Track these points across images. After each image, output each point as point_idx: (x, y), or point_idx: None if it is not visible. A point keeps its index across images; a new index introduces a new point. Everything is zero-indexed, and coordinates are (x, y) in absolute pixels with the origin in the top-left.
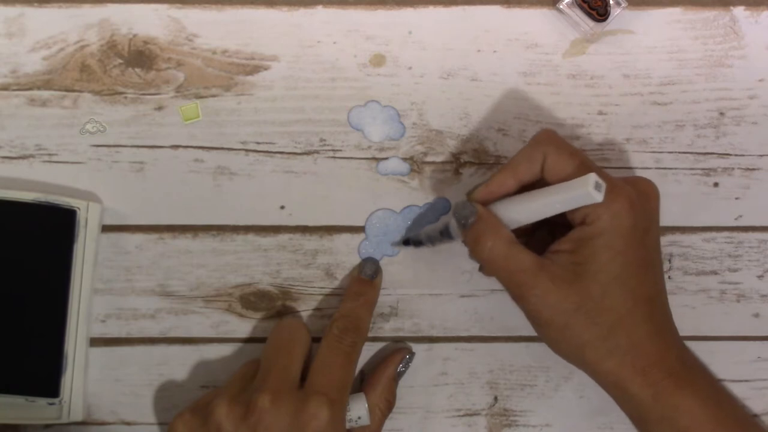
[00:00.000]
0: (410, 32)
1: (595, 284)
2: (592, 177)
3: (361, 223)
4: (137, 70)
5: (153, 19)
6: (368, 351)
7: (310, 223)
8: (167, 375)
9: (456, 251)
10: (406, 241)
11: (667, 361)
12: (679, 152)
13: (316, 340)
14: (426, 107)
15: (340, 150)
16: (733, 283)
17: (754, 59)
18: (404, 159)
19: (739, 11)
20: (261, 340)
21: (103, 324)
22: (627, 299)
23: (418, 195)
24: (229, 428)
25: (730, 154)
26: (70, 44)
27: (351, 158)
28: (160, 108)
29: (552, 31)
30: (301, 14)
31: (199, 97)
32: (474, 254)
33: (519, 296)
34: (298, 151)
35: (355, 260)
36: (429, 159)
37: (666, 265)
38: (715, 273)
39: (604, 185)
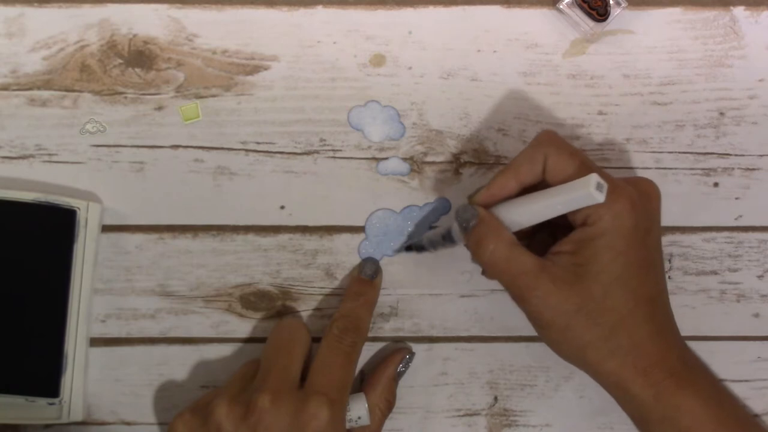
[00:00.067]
0: (410, 32)
1: (596, 285)
2: (594, 178)
3: (361, 223)
4: (137, 70)
5: (153, 19)
6: (368, 351)
7: (310, 223)
8: (167, 375)
9: (456, 252)
10: (408, 248)
11: (668, 362)
12: (679, 152)
13: (316, 340)
14: (426, 107)
15: (340, 150)
16: (733, 283)
17: (754, 59)
18: (404, 159)
19: (739, 11)
20: (261, 340)
21: (103, 324)
22: (628, 300)
23: (418, 195)
24: (229, 428)
25: (730, 154)
26: (70, 44)
27: (351, 158)
28: (160, 108)
29: (552, 31)
30: (301, 14)
31: (199, 97)
32: (475, 257)
33: (520, 298)
34: (298, 151)
35: (355, 260)
36: (429, 159)
37: (666, 265)
38: (715, 273)
39: (605, 186)
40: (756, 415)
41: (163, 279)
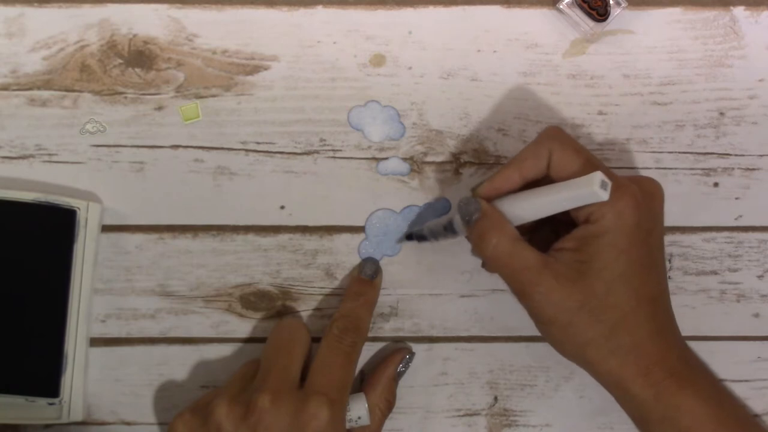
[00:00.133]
0: (410, 32)
1: (598, 282)
2: (598, 175)
3: (361, 223)
4: (137, 70)
5: (153, 19)
6: (368, 351)
7: (310, 223)
8: (167, 375)
9: (456, 251)
10: (410, 236)
11: (668, 361)
12: (679, 152)
13: (316, 340)
14: (426, 107)
15: (340, 150)
16: (733, 283)
17: (754, 59)
18: (404, 159)
19: (739, 11)
20: (261, 340)
21: (103, 324)
22: (630, 298)
23: (418, 195)
24: (229, 428)
25: (730, 154)
26: (70, 44)
27: (351, 158)
28: (160, 108)
29: (552, 31)
30: (301, 14)
31: (199, 97)
32: (478, 251)
33: (522, 294)
34: (298, 151)
35: (355, 260)
36: (429, 159)
37: (666, 265)
38: (715, 273)
39: (609, 184)
40: (756, 415)
41: (163, 279)
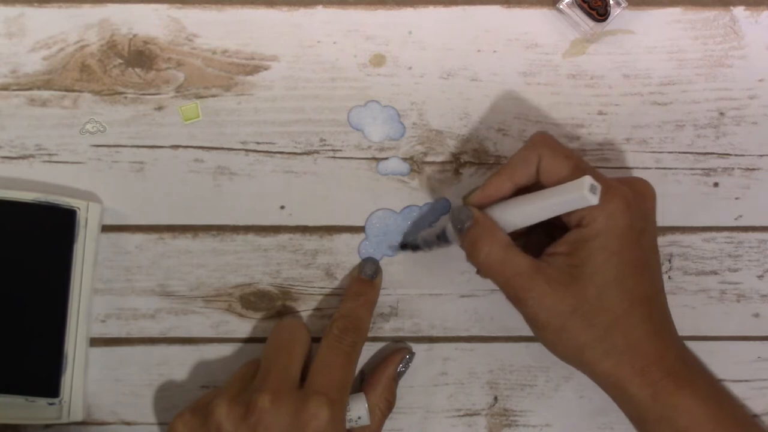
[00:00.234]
0: (410, 32)
1: (591, 286)
2: (587, 180)
3: (361, 223)
4: (137, 70)
5: (153, 19)
6: (368, 351)
7: (310, 223)
8: (167, 375)
9: (456, 252)
10: (404, 246)
11: (666, 361)
12: (679, 152)
13: (316, 340)
14: (426, 107)
15: (340, 150)
16: (733, 283)
17: (754, 59)
18: (404, 159)
19: (739, 11)
20: (261, 340)
21: (103, 324)
22: (624, 300)
23: (418, 195)
24: (229, 428)
25: (730, 154)
26: (70, 44)
27: (351, 158)
28: (160, 108)
29: (552, 31)
30: (301, 14)
31: (199, 97)
32: (470, 259)
33: (516, 299)
34: (298, 151)
35: (355, 260)
36: (429, 159)
37: (666, 265)
38: (715, 273)
39: (599, 188)
40: (756, 415)
41: (163, 279)
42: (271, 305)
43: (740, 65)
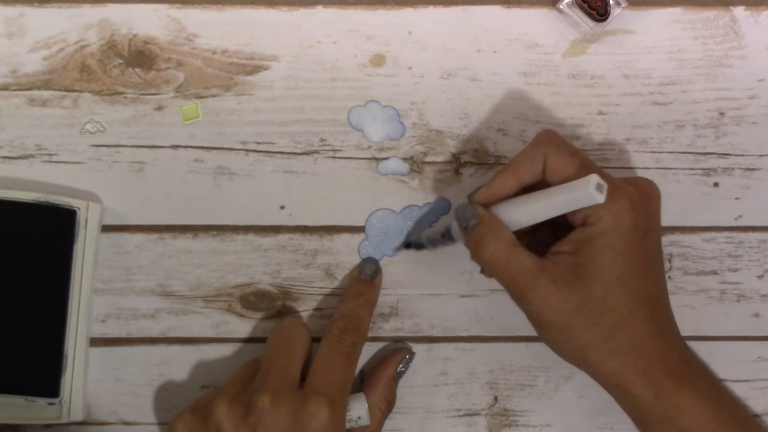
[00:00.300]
0: (410, 32)
1: (596, 285)
2: (594, 178)
3: (361, 223)
4: (137, 70)
5: (153, 19)
6: (368, 351)
7: (310, 223)
8: (167, 375)
9: (456, 251)
10: (408, 245)
11: (668, 361)
12: (679, 152)
13: (316, 340)
14: (426, 107)
15: (340, 150)
16: (733, 283)
17: (754, 59)
18: (404, 159)
19: (739, 11)
20: (261, 340)
21: (103, 324)
22: (628, 299)
23: (418, 195)
24: (229, 428)
25: (730, 154)
26: (70, 44)
27: (351, 158)
28: (160, 108)
29: (552, 31)
30: (301, 14)
31: (199, 97)
32: (475, 257)
33: (520, 297)
34: (298, 151)
35: (355, 260)
36: (429, 159)
37: (666, 265)
38: (715, 273)
39: (605, 186)
40: (756, 415)
41: (163, 279)
42: (271, 305)
43: (740, 65)
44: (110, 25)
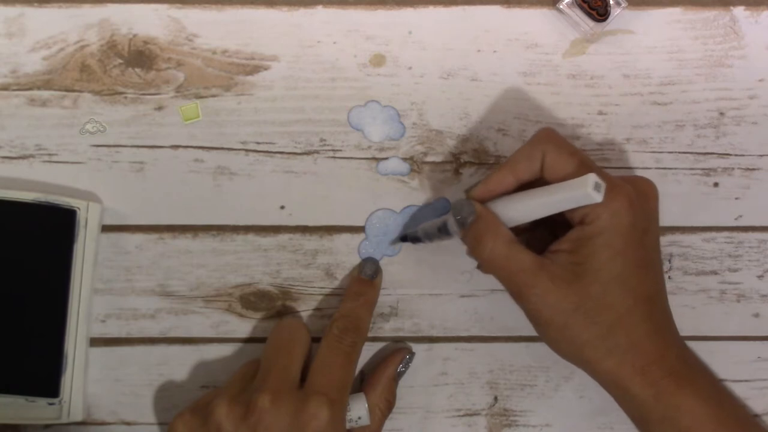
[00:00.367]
0: (410, 32)
1: (594, 284)
2: (592, 177)
3: (361, 223)
4: (137, 70)
5: (153, 19)
6: (368, 351)
7: (310, 223)
8: (167, 375)
9: (456, 251)
10: (404, 238)
11: (667, 360)
12: (679, 152)
13: (316, 340)
14: (426, 107)
15: (340, 150)
16: (733, 283)
17: (754, 59)
18: (404, 159)
19: (739, 11)
20: (261, 340)
21: (103, 324)
22: (627, 298)
23: (418, 195)
24: (229, 428)
25: (730, 154)
26: (70, 44)
27: (351, 158)
28: (160, 108)
29: (552, 31)
30: (301, 14)
31: (199, 97)
32: (473, 254)
33: (519, 295)
34: (298, 151)
35: (355, 260)
36: (429, 159)
37: (666, 265)
38: (715, 273)
39: (603, 185)
40: (756, 415)
41: (163, 279)
42: (271, 305)
43: (740, 65)
44: (110, 25)
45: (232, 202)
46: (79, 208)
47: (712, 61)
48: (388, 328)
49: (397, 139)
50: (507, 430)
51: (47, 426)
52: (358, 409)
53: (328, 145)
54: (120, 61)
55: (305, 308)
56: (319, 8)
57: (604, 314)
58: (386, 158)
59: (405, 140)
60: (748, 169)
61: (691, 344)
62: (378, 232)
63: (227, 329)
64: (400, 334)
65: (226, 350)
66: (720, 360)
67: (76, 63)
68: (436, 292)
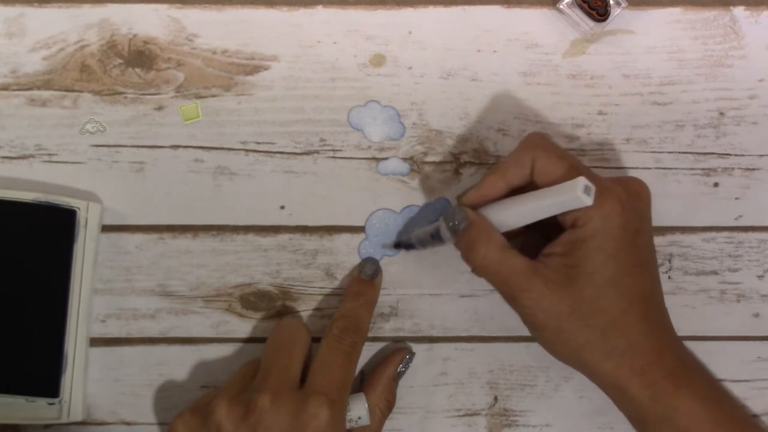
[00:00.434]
0: (410, 32)
1: (588, 287)
2: (581, 181)
3: (361, 223)
4: (137, 70)
5: (153, 19)
6: (368, 351)
7: (310, 223)
8: (167, 375)
9: (456, 251)
10: (398, 245)
11: (664, 361)
12: (679, 152)
13: (316, 340)
14: (426, 107)
15: (340, 150)
16: (733, 283)
17: (754, 59)
18: (404, 159)
19: (739, 11)
20: (261, 340)
21: (103, 324)
22: (622, 300)
23: (418, 195)
24: (229, 428)
25: (730, 154)
26: (70, 44)
27: (351, 158)
28: (160, 108)
29: (552, 31)
30: (301, 14)
31: (199, 97)
32: (467, 260)
33: (513, 300)
34: (298, 151)
35: (355, 260)
36: (429, 159)
37: (666, 265)
38: (715, 273)
39: (593, 189)
40: (756, 416)
41: (163, 279)
42: (271, 305)
43: (740, 65)
44: (110, 25)
45: (232, 202)
46: (79, 208)
47: (712, 61)
48: (388, 328)
49: (397, 139)
50: (507, 430)
51: (47, 426)
52: (358, 409)
53: (328, 145)
54: (120, 61)
55: (305, 308)
56: (319, 8)
57: (598, 317)
58: (386, 158)
59: (405, 140)
60: (748, 169)
61: (691, 344)
62: (378, 232)
63: (227, 329)
64: (400, 334)
65: (226, 350)
66: (720, 360)
67: (76, 63)
68: (436, 292)
